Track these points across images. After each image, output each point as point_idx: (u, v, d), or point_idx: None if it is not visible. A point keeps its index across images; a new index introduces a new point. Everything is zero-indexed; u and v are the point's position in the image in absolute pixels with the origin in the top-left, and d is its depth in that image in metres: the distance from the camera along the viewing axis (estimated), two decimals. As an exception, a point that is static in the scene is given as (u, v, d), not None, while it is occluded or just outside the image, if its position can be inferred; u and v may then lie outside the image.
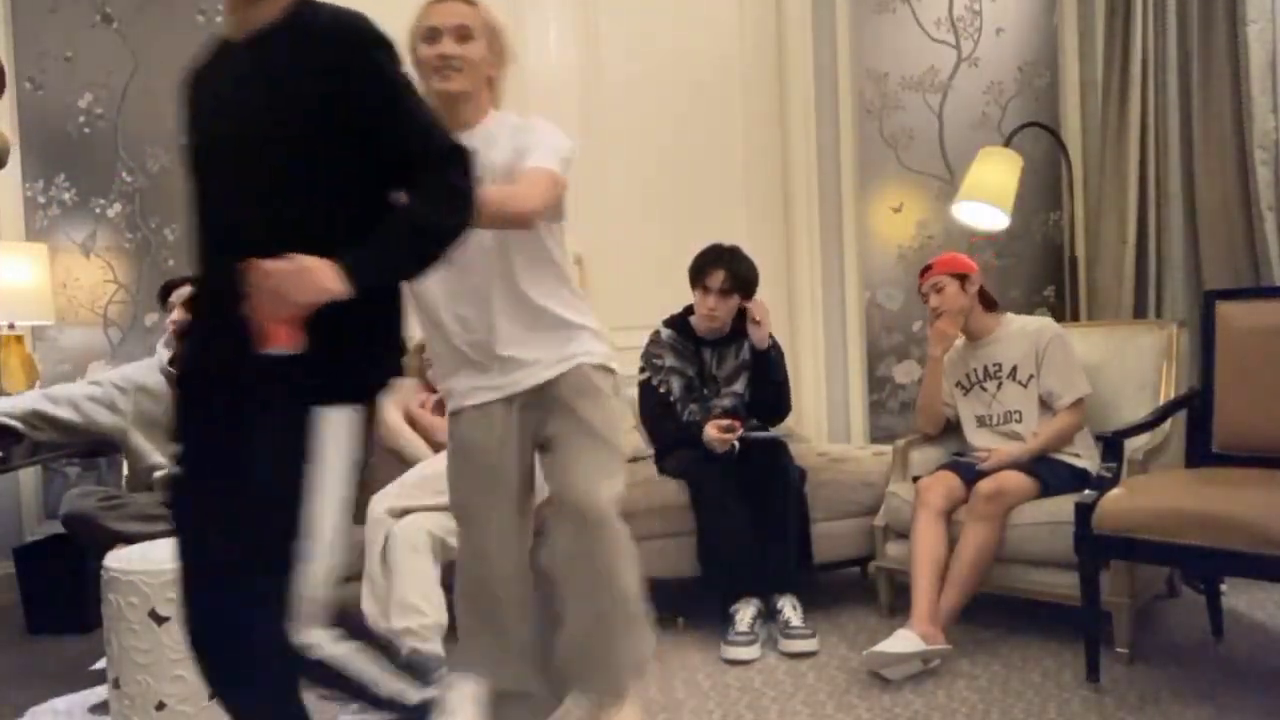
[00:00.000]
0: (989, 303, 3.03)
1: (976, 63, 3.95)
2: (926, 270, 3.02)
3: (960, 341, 3.06)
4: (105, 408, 2.83)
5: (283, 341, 1.36)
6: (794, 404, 3.76)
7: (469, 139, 1.79)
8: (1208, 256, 3.44)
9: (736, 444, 2.93)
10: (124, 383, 2.90)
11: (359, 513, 2.96)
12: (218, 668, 1.41)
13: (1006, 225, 3.55)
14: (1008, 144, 3.54)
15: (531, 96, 3.62)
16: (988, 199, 3.45)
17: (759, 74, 3.95)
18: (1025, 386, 2.89)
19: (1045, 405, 2.88)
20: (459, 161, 1.54)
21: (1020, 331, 2.94)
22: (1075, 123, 3.95)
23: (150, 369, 2.97)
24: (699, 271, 3.04)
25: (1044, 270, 4.00)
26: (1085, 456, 2.86)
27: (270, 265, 1.35)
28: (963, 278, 2.96)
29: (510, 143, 2.01)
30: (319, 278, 1.37)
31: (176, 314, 2.92)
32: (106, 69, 3.66)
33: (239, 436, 1.38)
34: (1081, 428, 2.86)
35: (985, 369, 2.97)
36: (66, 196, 3.68)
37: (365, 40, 1.47)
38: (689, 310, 3.12)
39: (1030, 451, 2.81)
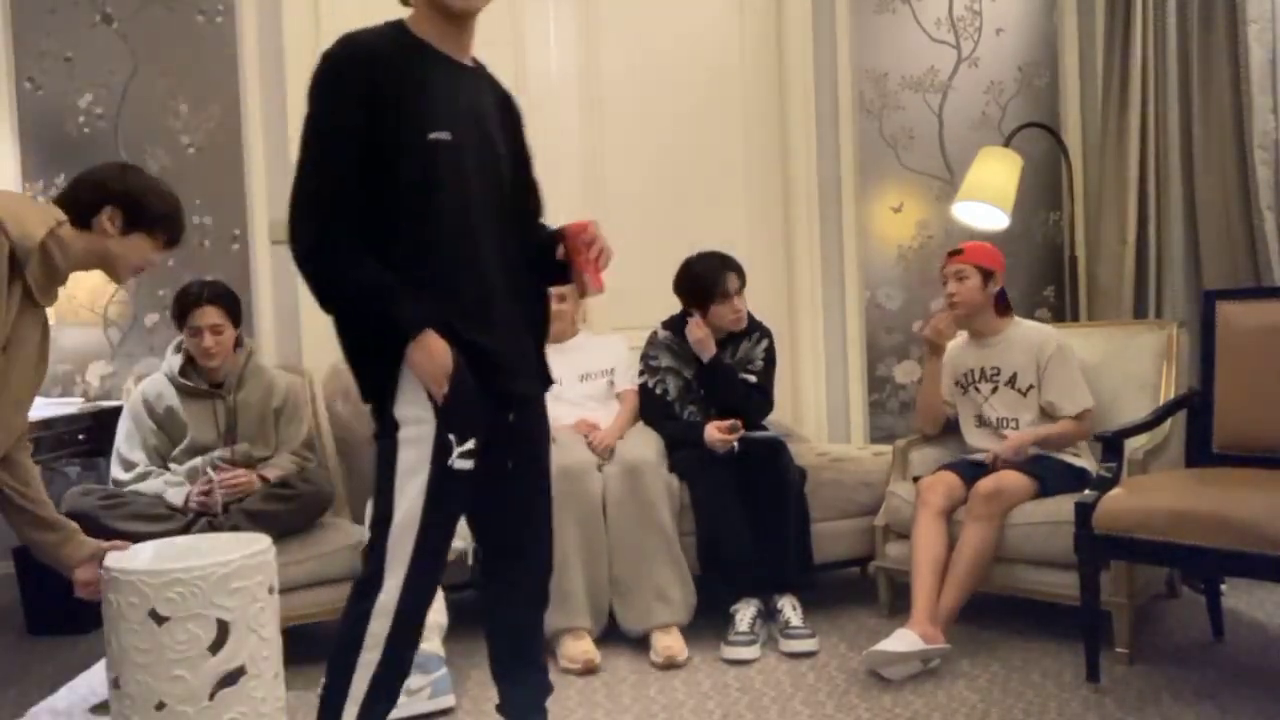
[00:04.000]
0: (1002, 305, 2.98)
1: (976, 63, 3.95)
2: (955, 254, 2.95)
3: (963, 337, 3.04)
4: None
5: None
6: (794, 404, 3.75)
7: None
8: (1208, 256, 3.44)
9: (736, 444, 2.93)
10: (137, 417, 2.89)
11: (358, 513, 2.97)
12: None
13: (1006, 225, 3.55)
14: (1008, 144, 3.54)
15: (532, 97, 3.62)
16: (988, 199, 3.45)
17: (759, 74, 3.95)
18: (1024, 395, 2.88)
19: (1047, 414, 2.87)
20: None
21: (1024, 339, 2.92)
22: (1075, 123, 3.95)
23: (154, 384, 2.92)
24: (714, 285, 3.02)
25: (1044, 270, 4.00)
26: (1084, 456, 2.87)
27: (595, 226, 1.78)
28: (988, 274, 2.92)
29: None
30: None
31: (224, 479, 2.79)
32: (106, 69, 3.66)
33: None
34: (1085, 437, 2.86)
35: (983, 370, 2.96)
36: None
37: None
38: (688, 312, 3.12)
39: (1031, 436, 2.82)
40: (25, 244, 1.75)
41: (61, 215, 1.84)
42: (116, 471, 2.83)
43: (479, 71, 1.81)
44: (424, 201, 1.64)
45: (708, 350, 3.05)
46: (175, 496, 2.71)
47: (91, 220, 1.86)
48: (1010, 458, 2.78)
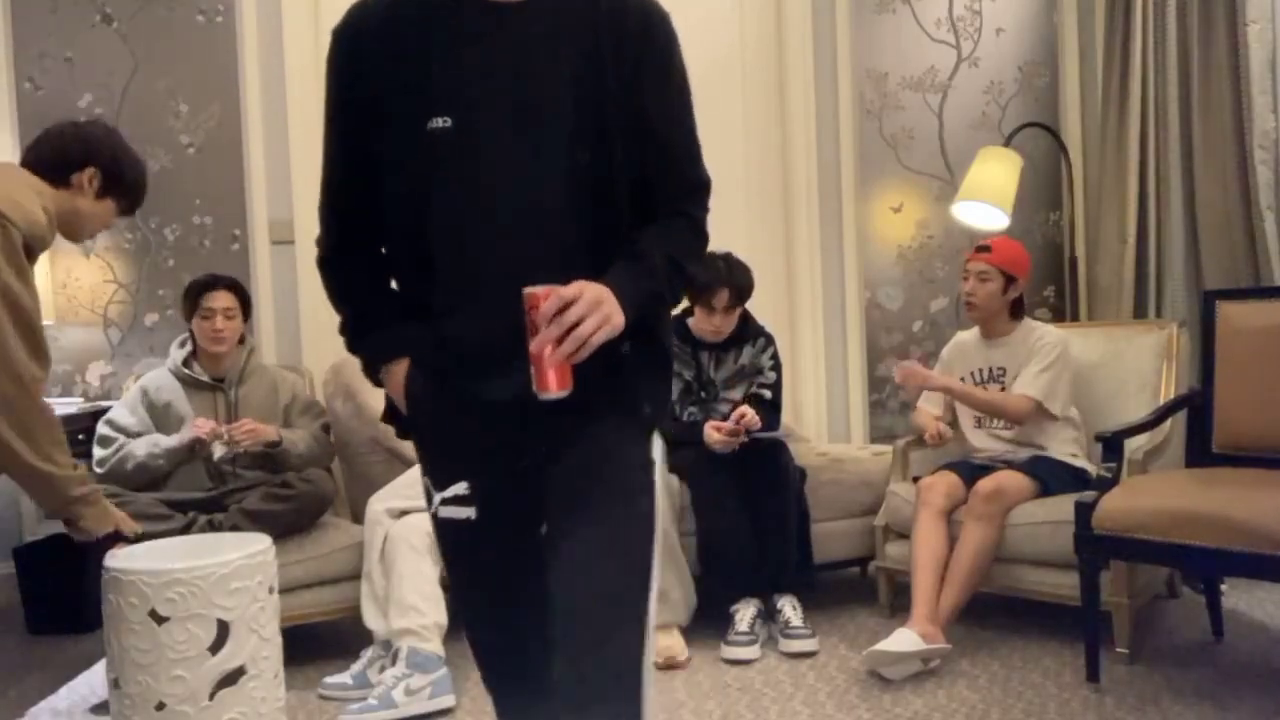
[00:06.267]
0: (1016, 309, 2.97)
1: (976, 63, 3.95)
2: (981, 250, 2.93)
3: (973, 335, 3.05)
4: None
5: (567, 385, 1.18)
6: (794, 404, 3.76)
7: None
8: (1208, 256, 3.44)
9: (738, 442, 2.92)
10: (136, 407, 2.89)
11: (358, 513, 2.98)
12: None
13: (1006, 225, 3.55)
14: (1008, 144, 3.54)
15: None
16: (988, 199, 3.45)
17: (759, 74, 3.95)
18: None
19: (1043, 414, 2.87)
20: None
21: (1030, 341, 2.92)
22: (1075, 123, 3.95)
23: (156, 377, 2.93)
24: (703, 290, 2.97)
25: (1044, 270, 4.00)
26: (1084, 456, 2.87)
27: (566, 292, 1.16)
28: (1011, 280, 2.91)
29: None
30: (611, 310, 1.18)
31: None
32: (106, 69, 3.66)
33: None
34: (1021, 424, 2.86)
35: (990, 370, 2.96)
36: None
37: None
38: (687, 313, 3.12)
39: (954, 385, 2.93)
40: (35, 231, 1.72)
41: (41, 184, 1.80)
42: (96, 451, 2.81)
43: (539, 5, 1.26)
44: (411, 213, 1.28)
45: (724, 445, 2.90)
46: (169, 440, 2.74)
47: (70, 178, 1.82)
48: (910, 381, 2.92)
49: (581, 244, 1.27)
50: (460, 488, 1.33)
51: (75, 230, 1.91)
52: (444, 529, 1.37)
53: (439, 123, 1.23)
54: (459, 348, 1.29)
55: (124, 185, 1.89)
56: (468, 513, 1.33)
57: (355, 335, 1.38)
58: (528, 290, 1.16)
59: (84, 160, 1.83)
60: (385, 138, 1.26)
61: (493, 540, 1.35)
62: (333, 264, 1.39)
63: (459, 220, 1.25)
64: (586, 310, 1.15)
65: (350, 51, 1.28)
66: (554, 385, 1.16)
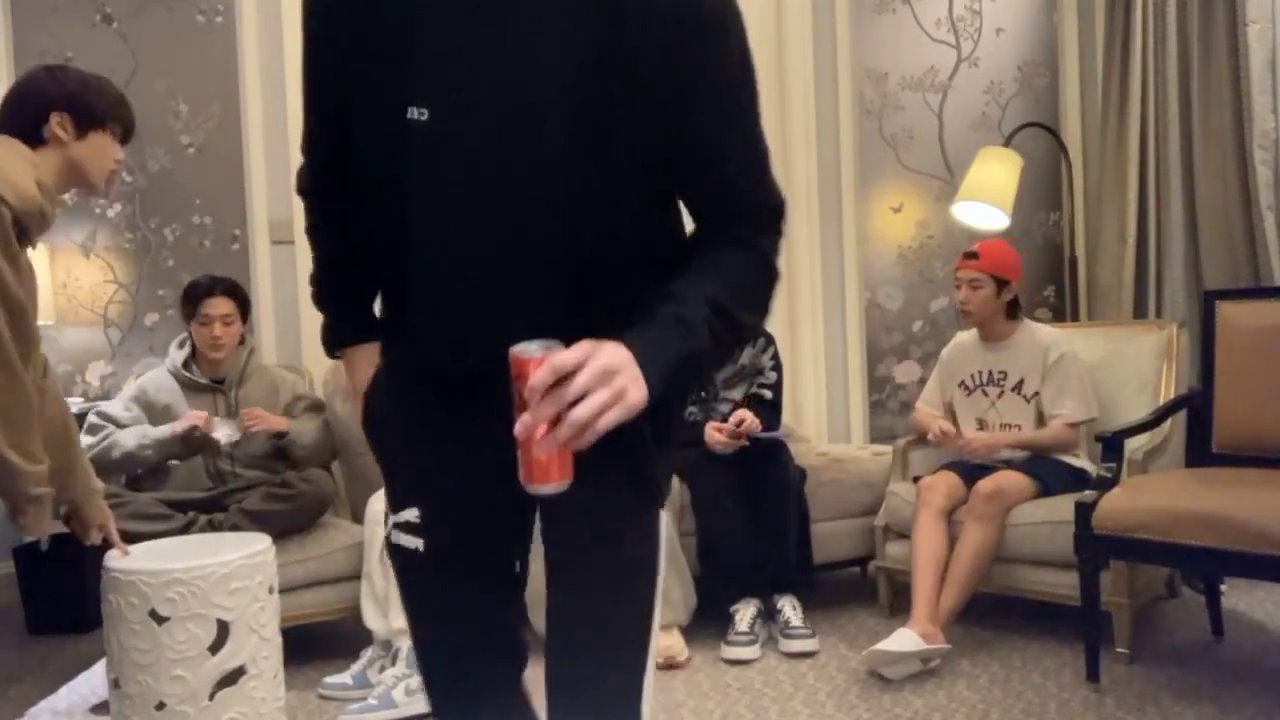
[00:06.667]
0: (1013, 309, 2.96)
1: (976, 63, 3.95)
2: (971, 256, 2.91)
3: (972, 337, 3.04)
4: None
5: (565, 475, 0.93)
6: (794, 404, 3.76)
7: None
8: (1208, 256, 3.44)
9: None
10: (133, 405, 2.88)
11: (358, 513, 2.98)
12: None
13: (1006, 225, 3.55)
14: (1008, 144, 3.54)
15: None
16: (988, 199, 3.44)
17: (759, 74, 3.94)
18: (1029, 401, 2.88)
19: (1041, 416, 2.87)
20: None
21: (1032, 343, 2.91)
22: (1075, 123, 3.95)
23: (155, 377, 2.93)
24: None
25: (1044, 270, 4.00)
26: (1084, 456, 2.86)
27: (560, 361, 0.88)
28: (1003, 283, 2.89)
29: None
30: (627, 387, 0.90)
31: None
32: (106, 69, 3.62)
33: None
34: (1075, 446, 2.85)
35: (991, 374, 2.96)
36: (66, 196, 3.68)
37: None
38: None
39: (1013, 441, 2.82)
40: (28, 206, 1.64)
41: (30, 151, 1.72)
42: (83, 439, 2.78)
43: None
44: (382, 208, 1.07)
45: (725, 447, 2.91)
46: (159, 431, 2.74)
47: (43, 133, 1.73)
48: (973, 455, 2.83)
49: (577, 281, 1.03)
50: (411, 515, 1.14)
51: (87, 179, 1.81)
52: (403, 560, 1.16)
53: (415, 114, 0.99)
54: (429, 368, 1.11)
55: (99, 113, 1.79)
56: (417, 543, 1.14)
57: (324, 288, 1.24)
58: (514, 354, 0.90)
59: (43, 109, 1.74)
60: (356, 115, 1.05)
61: (449, 576, 1.15)
62: (311, 196, 1.22)
63: (430, 236, 1.04)
64: (593, 383, 0.87)
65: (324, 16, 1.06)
66: (547, 477, 0.91)
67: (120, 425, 2.80)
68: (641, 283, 1.02)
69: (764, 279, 1.06)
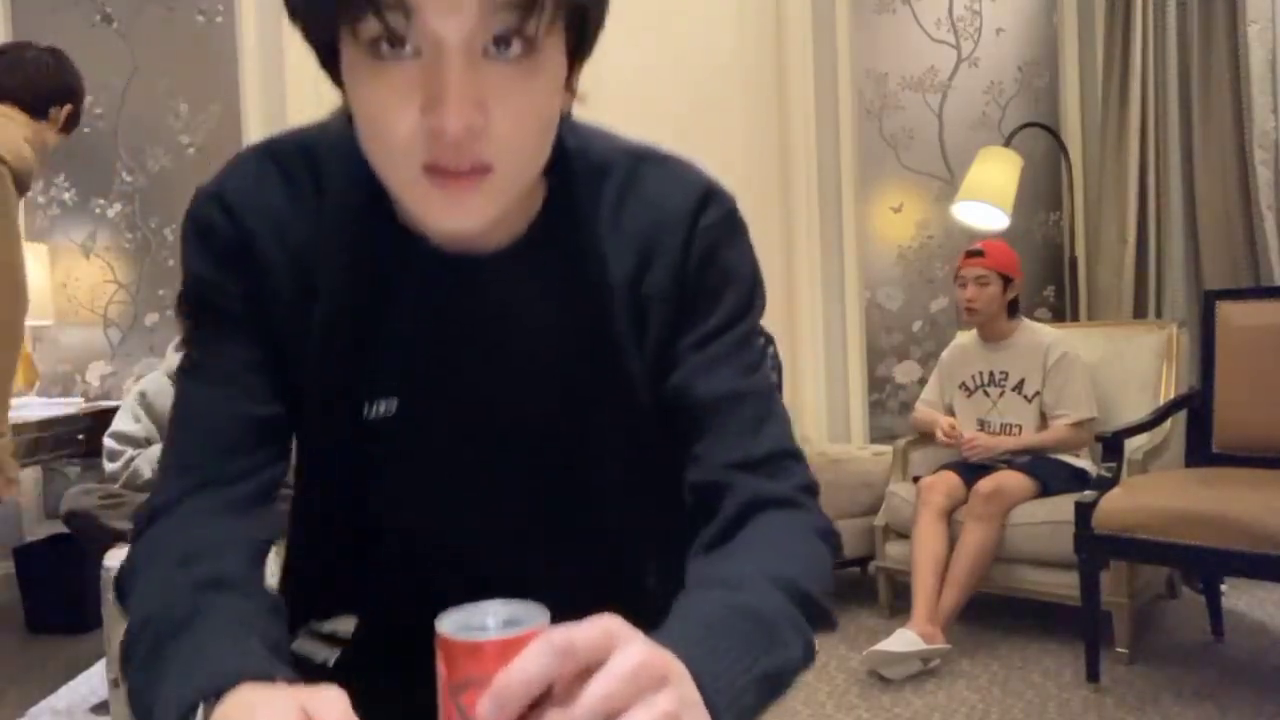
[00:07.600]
0: (1013, 308, 2.97)
1: (976, 63, 3.95)
2: (974, 255, 2.92)
3: (972, 337, 3.05)
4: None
5: None
6: (794, 404, 3.75)
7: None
8: (1208, 256, 3.44)
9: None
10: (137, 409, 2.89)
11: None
12: None
13: (1006, 225, 3.55)
14: (1008, 144, 3.54)
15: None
16: (988, 199, 3.45)
17: (759, 74, 3.95)
18: (1030, 401, 2.88)
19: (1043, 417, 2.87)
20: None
21: (1032, 343, 2.92)
22: (1075, 123, 3.94)
23: (155, 381, 2.93)
24: None
25: (1044, 270, 4.00)
26: (1084, 456, 2.87)
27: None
28: (1009, 281, 2.90)
29: None
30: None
31: None
32: (107, 69, 3.66)
33: None
34: (1082, 446, 2.85)
35: (991, 374, 2.96)
36: (66, 196, 3.68)
37: None
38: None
39: (1016, 445, 2.82)
40: (24, 166, 1.69)
41: (22, 115, 1.77)
42: (107, 466, 2.82)
43: (531, 256, 0.79)
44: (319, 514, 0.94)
45: None
46: None
47: (49, 111, 1.80)
48: (974, 455, 2.84)
49: (558, 580, 0.70)
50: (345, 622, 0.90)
51: (40, 164, 1.85)
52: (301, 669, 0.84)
53: (381, 408, 0.80)
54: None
55: (76, 120, 1.88)
56: (326, 655, 0.88)
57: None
58: (446, 635, 0.50)
59: (67, 95, 1.81)
60: (302, 413, 0.83)
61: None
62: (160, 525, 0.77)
63: (383, 545, 0.89)
64: (626, 692, 0.47)
65: (239, 249, 0.77)
66: None
67: (137, 442, 2.80)
68: (654, 541, 0.82)
69: (828, 549, 0.77)
